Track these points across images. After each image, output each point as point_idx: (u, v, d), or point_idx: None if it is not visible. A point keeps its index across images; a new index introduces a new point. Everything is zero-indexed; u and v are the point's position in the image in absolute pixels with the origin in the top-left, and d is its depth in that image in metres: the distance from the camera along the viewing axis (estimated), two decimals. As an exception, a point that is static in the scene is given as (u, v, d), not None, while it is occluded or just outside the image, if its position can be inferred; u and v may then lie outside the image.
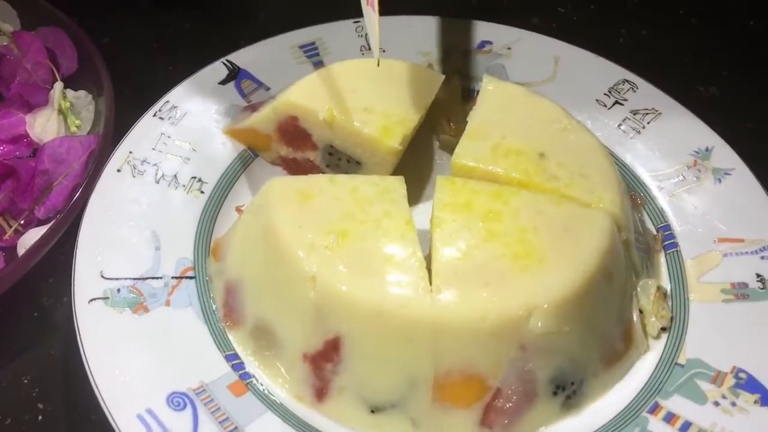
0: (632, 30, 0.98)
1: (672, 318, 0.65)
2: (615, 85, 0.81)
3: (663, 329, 0.65)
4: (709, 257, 0.68)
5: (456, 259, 0.58)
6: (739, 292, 0.65)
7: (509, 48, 0.84)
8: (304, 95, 0.70)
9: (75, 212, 0.66)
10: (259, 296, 0.62)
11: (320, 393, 0.59)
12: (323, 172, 0.71)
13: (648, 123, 0.78)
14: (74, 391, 0.62)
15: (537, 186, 0.64)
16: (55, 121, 0.75)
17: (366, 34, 0.83)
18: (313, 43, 0.82)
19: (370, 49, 0.83)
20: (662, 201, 0.73)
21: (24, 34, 0.81)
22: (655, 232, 0.71)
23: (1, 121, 0.74)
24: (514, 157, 0.65)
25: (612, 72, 0.82)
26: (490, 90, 0.72)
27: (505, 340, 0.56)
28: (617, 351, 0.62)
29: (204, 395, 0.57)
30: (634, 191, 0.74)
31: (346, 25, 0.84)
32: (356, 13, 0.84)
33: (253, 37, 0.83)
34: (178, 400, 0.56)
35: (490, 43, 0.85)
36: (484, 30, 0.85)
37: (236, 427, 0.56)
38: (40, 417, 0.61)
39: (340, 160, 0.71)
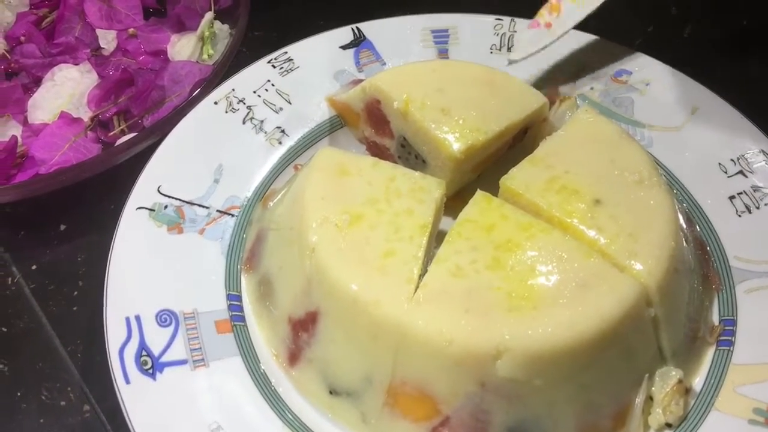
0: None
1: (685, 418, 0.58)
2: (748, 152, 0.72)
3: (668, 425, 0.58)
4: (760, 369, 0.60)
5: (449, 277, 0.56)
6: (774, 418, 0.57)
7: (647, 84, 0.77)
8: (392, 81, 0.70)
9: (166, 128, 0.72)
10: (274, 250, 0.65)
11: (293, 357, 0.61)
12: (396, 162, 0.71)
13: (765, 204, 0.69)
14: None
15: (575, 231, 0.59)
16: (193, 45, 0.82)
17: (503, 35, 0.81)
18: (446, 31, 0.82)
19: (500, 49, 0.81)
20: (740, 292, 0.64)
21: (200, -36, 0.89)
22: (716, 323, 0.64)
23: (151, 35, 0.83)
24: (565, 196, 0.61)
25: (752, 137, 0.73)
26: (582, 120, 0.67)
27: (466, 372, 0.54)
28: (600, 428, 0.57)
29: (190, 321, 0.62)
30: (714, 273, 0.66)
31: (485, 21, 0.82)
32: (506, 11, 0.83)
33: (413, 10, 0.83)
34: (166, 317, 0.61)
35: (628, 72, 0.79)
36: (628, 58, 0.79)
37: (203, 359, 0.60)
38: (75, 293, 0.70)
39: (410, 155, 0.70)
